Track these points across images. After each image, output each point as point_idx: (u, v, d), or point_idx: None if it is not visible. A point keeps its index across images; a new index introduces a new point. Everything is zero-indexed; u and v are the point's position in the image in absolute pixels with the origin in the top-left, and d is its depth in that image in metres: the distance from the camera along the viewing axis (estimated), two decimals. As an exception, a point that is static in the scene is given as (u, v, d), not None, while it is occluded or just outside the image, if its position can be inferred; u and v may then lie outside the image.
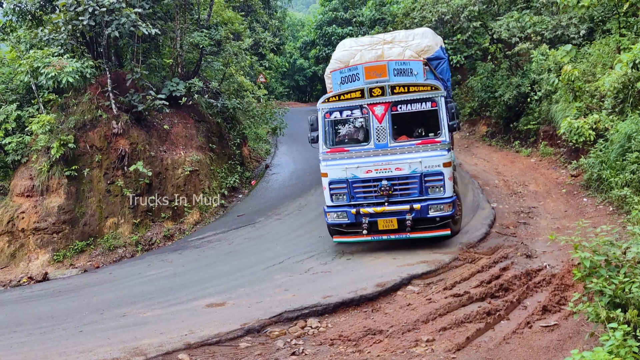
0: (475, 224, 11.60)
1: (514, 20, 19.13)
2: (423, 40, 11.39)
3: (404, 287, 8.64)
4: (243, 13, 25.39)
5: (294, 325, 7.53)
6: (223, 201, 17.31)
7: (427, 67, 10.95)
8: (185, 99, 17.16)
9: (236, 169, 19.29)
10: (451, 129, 10.09)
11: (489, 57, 23.00)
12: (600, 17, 17.38)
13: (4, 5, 17.58)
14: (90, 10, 13.79)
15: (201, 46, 18.58)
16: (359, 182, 10.23)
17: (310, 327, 7.43)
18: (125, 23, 14.21)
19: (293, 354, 6.61)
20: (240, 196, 18.36)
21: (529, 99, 19.01)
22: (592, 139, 11.83)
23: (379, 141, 10.14)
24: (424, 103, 9.96)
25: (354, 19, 33.85)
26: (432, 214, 9.95)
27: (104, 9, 13.85)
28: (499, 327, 6.96)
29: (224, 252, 12.58)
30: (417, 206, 9.90)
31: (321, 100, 10.55)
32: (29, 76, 14.47)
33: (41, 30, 15.43)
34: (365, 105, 10.17)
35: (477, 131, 23.68)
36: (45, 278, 12.54)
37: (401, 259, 9.85)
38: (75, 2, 13.90)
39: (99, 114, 15.05)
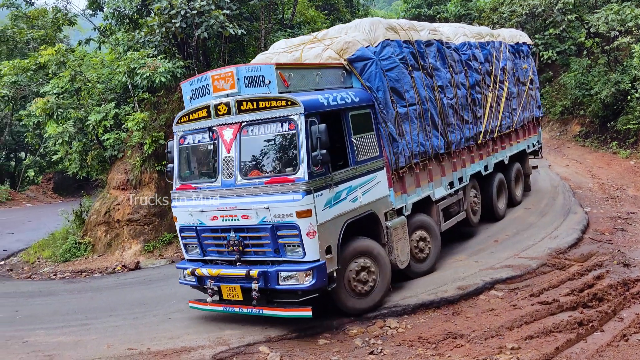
0: (566, 229, 10.97)
1: (614, 12, 17.91)
2: (349, 35, 8.70)
3: (486, 292, 8.33)
4: (326, 12, 25.58)
5: (372, 324, 7.49)
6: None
7: (343, 70, 8.31)
8: (269, 97, 17.50)
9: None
10: (314, 162, 6.87)
11: (585, 52, 21.69)
12: None
13: (104, 10, 18.81)
14: (182, 13, 14.43)
15: (285, 45, 18.90)
16: (207, 232, 7.57)
17: (389, 327, 7.35)
18: (214, 24, 14.74)
19: (371, 353, 6.57)
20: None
21: (629, 97, 17.75)
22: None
23: (226, 177, 7.36)
24: (280, 124, 7.08)
25: (438, 16, 33.12)
26: (283, 284, 6.93)
27: (195, 12, 14.44)
28: (591, 339, 6.54)
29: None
30: (253, 272, 6.99)
31: (175, 120, 8.08)
32: (126, 76, 15.38)
33: (138, 33, 16.35)
34: (215, 128, 7.50)
35: (569, 131, 22.45)
36: (137, 267, 13.28)
37: (484, 262, 9.51)
38: (169, 6, 14.60)
39: (187, 112, 15.72)
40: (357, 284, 7.61)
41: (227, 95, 7.37)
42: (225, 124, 7.36)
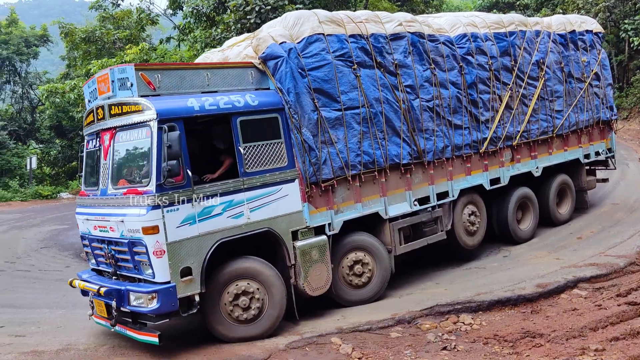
0: (658, 226, 10.28)
1: None
2: (269, 30, 7.85)
3: (568, 290, 7.96)
4: (399, 3, 25.27)
5: (445, 319, 7.35)
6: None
7: (252, 70, 7.47)
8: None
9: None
10: (163, 174, 6.21)
11: (681, 36, 20.10)
12: None
13: (183, 9, 19.59)
14: (256, 9, 14.78)
15: (357, 38, 18.85)
16: (94, 241, 7.17)
17: (463, 323, 7.19)
18: (287, 19, 14.97)
19: (444, 348, 6.46)
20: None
21: None
22: None
23: (103, 185, 6.97)
24: (139, 131, 6.54)
25: (518, 2, 31.77)
26: (133, 304, 6.39)
27: (269, 7, 14.74)
28: (685, 344, 6.08)
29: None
30: (102, 290, 6.54)
31: (83, 123, 7.76)
32: (204, 72, 15.94)
33: (214, 30, 16.91)
34: (100, 134, 7.13)
35: (662, 121, 20.92)
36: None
37: (566, 260, 9.09)
38: (244, 3, 14.98)
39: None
40: (237, 310, 6.81)
41: (109, 98, 6.90)
42: (104, 129, 7.00)
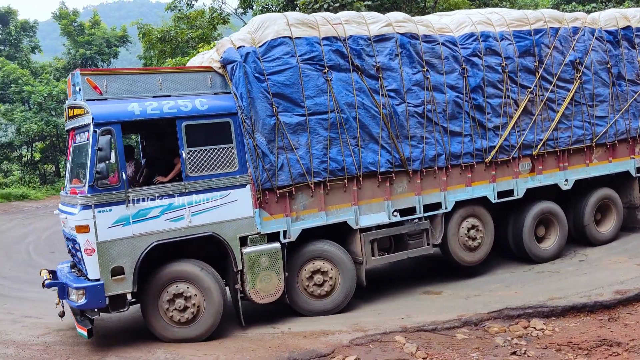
0: None
1: None
2: (234, 34, 7.77)
3: (650, 298, 7.52)
4: (471, -3, 24.57)
5: (515, 323, 7.12)
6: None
7: (211, 74, 7.40)
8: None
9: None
10: (95, 175, 6.36)
11: None
12: None
13: (254, 8, 20.02)
14: (325, 6, 14.86)
15: (426, 34, 18.53)
16: (65, 235, 7.53)
17: (534, 328, 6.93)
18: (356, 16, 14.95)
19: (514, 353, 6.24)
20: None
21: None
22: None
23: (66, 183, 7.38)
24: (84, 134, 6.81)
25: (598, -6, 30.09)
26: (72, 299, 6.63)
27: (337, 4, 14.79)
28: None
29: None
30: (45, 282, 7.01)
31: None
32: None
33: (283, 28, 17.16)
34: (69, 133, 7.54)
35: None
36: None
37: (648, 266, 8.58)
38: (313, 1, 15.11)
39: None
40: (172, 311, 6.81)
41: (75, 101, 7.05)
42: (68, 129, 7.48)
